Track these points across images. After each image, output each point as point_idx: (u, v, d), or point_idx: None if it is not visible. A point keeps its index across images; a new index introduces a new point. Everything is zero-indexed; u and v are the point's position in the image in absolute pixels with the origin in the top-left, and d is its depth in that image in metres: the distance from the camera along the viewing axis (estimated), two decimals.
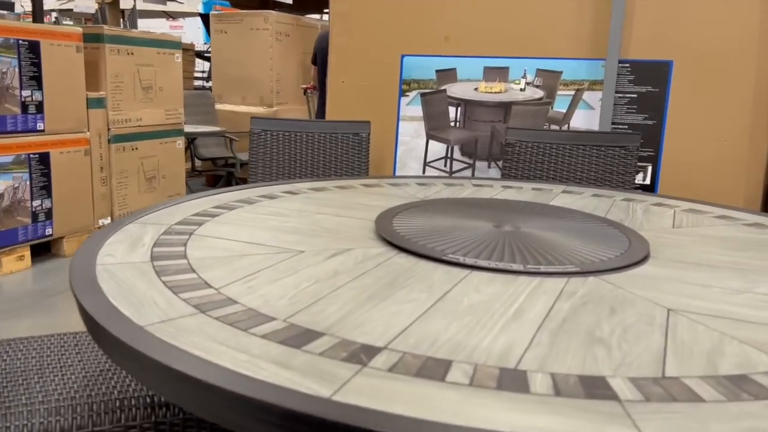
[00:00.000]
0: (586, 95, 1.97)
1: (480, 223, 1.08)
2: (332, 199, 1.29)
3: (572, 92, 1.98)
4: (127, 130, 3.74)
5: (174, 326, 0.62)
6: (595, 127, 1.96)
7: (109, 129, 3.61)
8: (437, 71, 2.05)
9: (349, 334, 0.62)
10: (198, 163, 5.35)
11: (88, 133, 3.46)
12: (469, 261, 0.87)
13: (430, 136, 2.12)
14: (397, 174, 2.14)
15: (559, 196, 1.43)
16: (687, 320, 0.70)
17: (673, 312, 0.72)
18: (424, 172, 2.13)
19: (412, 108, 2.12)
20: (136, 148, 3.83)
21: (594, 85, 1.95)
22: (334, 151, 1.98)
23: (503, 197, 1.38)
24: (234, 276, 0.78)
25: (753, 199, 1.83)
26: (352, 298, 0.72)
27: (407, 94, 2.13)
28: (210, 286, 0.74)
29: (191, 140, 5.01)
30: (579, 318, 0.69)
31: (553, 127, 2.01)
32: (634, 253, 0.93)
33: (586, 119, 1.99)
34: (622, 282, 0.82)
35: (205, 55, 7.74)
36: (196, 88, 7.32)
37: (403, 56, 2.09)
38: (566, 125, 2.01)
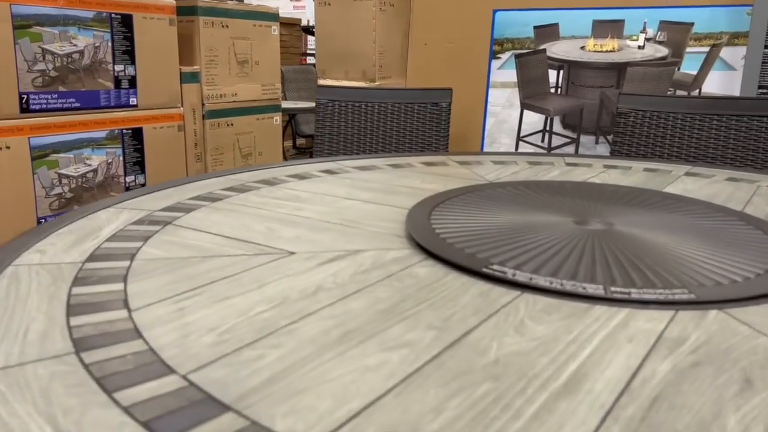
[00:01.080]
0: (725, 52, 1.56)
1: (556, 217, 0.78)
2: (376, 180, 1.03)
3: (706, 49, 1.58)
4: (222, 106, 3.69)
5: (10, 378, 0.40)
6: (736, 92, 1.56)
7: (203, 104, 3.57)
8: (535, 28, 1.73)
9: (270, 411, 0.37)
10: (300, 140, 5.28)
11: (181, 108, 3.43)
12: (521, 277, 0.59)
13: (525, 106, 1.80)
14: (485, 151, 1.85)
15: (681, 179, 1.09)
16: None
17: None
18: (517, 148, 1.82)
19: (504, 72, 1.81)
20: (232, 124, 3.77)
21: (735, 38, 1.54)
22: (410, 124, 1.73)
23: (603, 180, 1.07)
24: (170, 290, 0.55)
25: None
26: (315, 337, 0.47)
27: (499, 56, 1.81)
28: (124, 307, 0.52)
29: (292, 116, 4.93)
30: (683, 396, 0.40)
31: (680, 92, 1.63)
32: None
33: (723, 82, 1.58)
34: (767, 322, 0.51)
35: (311, 29, 7.68)
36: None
37: (495, 11, 1.78)
38: (697, 90, 1.62)
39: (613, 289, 0.56)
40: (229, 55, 3.71)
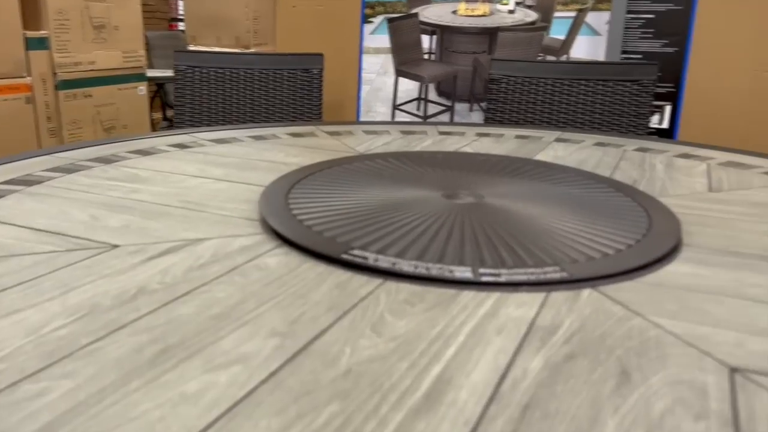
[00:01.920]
0: (590, 17, 1.58)
1: (426, 192, 0.72)
2: (234, 154, 0.93)
3: (573, 14, 1.59)
4: (78, 75, 3.35)
5: None
6: (601, 57, 1.58)
7: (55, 74, 3.23)
8: None
9: None
10: (171, 111, 4.95)
11: (28, 78, 3.08)
12: (384, 263, 0.52)
13: (400, 73, 1.74)
14: (361, 119, 1.78)
15: (551, 145, 1.07)
16: None
17: (743, 375, 0.38)
18: (393, 117, 1.76)
19: (377, 37, 1.74)
20: (90, 95, 3.44)
21: (600, 3, 1.56)
22: (280, 92, 1.62)
23: (475, 149, 1.03)
24: None
25: None
26: (122, 359, 0.37)
27: (371, 19, 1.74)
28: None
29: (160, 86, 4.60)
30: (557, 399, 0.35)
31: (550, 57, 1.63)
32: (657, 241, 0.58)
33: (589, 47, 1.60)
34: (640, 299, 0.48)
35: None
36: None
37: None
38: (565, 55, 1.63)
39: (482, 271, 0.51)
40: (83, 18, 3.37)
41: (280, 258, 0.54)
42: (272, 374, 0.36)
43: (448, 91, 1.73)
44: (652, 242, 0.58)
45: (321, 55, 1.58)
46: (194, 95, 1.59)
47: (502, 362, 0.38)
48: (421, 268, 0.51)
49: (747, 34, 1.45)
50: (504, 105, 1.52)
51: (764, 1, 1.42)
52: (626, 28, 1.54)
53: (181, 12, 7.52)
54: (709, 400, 0.35)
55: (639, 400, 0.35)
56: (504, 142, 1.09)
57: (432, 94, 1.73)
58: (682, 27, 1.50)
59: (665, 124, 1.58)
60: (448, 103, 1.73)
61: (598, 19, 1.57)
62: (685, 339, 0.42)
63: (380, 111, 1.78)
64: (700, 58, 1.50)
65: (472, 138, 1.12)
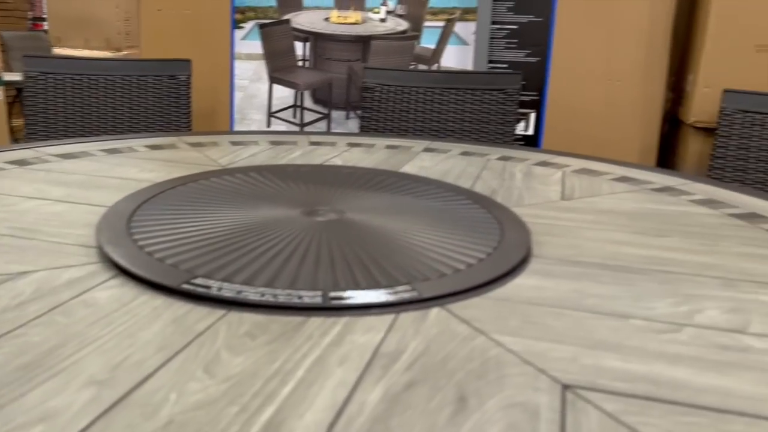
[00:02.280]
0: (458, 27, 1.63)
1: (285, 210, 0.70)
2: (80, 171, 0.86)
3: (442, 24, 1.63)
4: None
5: None
6: (470, 66, 1.63)
7: None
8: None
9: None
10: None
11: None
12: (228, 292, 0.49)
13: (273, 80, 1.70)
14: (235, 129, 1.72)
15: (419, 156, 1.08)
16: (599, 416, 0.36)
17: (574, 393, 0.38)
18: (269, 125, 1.72)
19: (249, 43, 1.69)
20: None
21: (467, 14, 1.61)
22: (144, 100, 1.53)
23: (344, 160, 1.02)
24: None
25: (648, 149, 1.59)
26: None
27: (242, 25, 1.69)
28: None
29: (20, 90, 4.25)
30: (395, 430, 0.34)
31: (422, 66, 1.66)
32: (507, 254, 0.60)
33: (459, 56, 1.65)
34: (485, 316, 0.48)
35: None
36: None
37: None
38: (436, 64, 1.66)
39: (332, 294, 0.50)
40: None
41: (113, 291, 0.49)
42: None
43: (324, 98, 1.71)
44: (502, 255, 0.59)
45: (188, 61, 1.51)
46: (48, 105, 1.47)
47: (340, 397, 0.37)
48: (269, 296, 0.49)
49: (600, 45, 1.55)
50: (378, 113, 1.53)
51: (615, 15, 1.53)
52: (492, 38, 1.60)
53: (46, 11, 7.01)
54: (540, 422, 0.35)
55: (473, 428, 0.35)
56: (374, 153, 1.09)
57: (308, 102, 1.71)
58: (543, 38, 1.58)
59: (531, 131, 1.65)
60: (325, 111, 1.71)
61: (466, 29, 1.62)
62: (523, 357, 0.42)
63: (255, 118, 1.73)
64: (560, 67, 1.58)
65: (343, 149, 1.11)
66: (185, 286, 0.49)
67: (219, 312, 0.47)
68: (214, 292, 0.49)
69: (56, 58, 1.55)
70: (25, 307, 0.46)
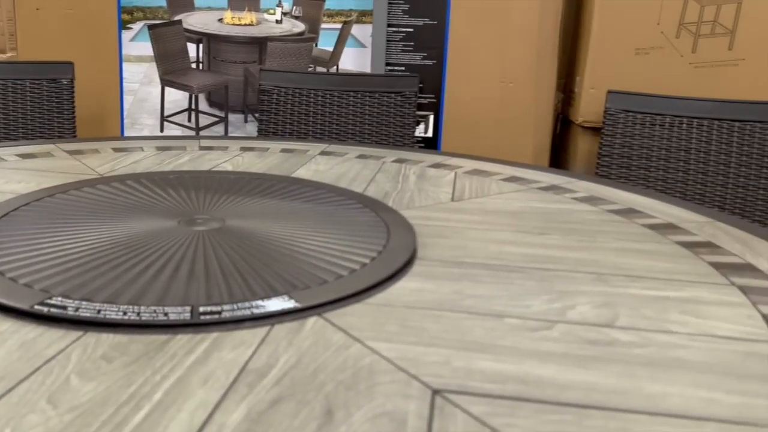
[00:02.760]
0: (356, 29, 1.62)
1: (160, 220, 0.66)
2: None
3: (339, 25, 1.62)
4: None
5: None
6: (368, 69, 1.63)
7: None
8: None
9: None
10: None
11: None
12: (87, 311, 0.46)
13: (165, 82, 1.63)
14: (126, 134, 1.64)
15: (315, 159, 1.06)
16: (466, 419, 0.36)
17: (443, 398, 0.38)
18: (162, 129, 1.65)
19: (138, 44, 1.61)
20: None
21: (363, 16, 1.61)
22: (20, 105, 1.43)
23: (235, 165, 0.98)
24: None
25: (541, 149, 1.64)
26: None
27: (130, 26, 1.61)
28: None
29: None
30: None
31: (320, 69, 1.65)
32: (390, 258, 0.59)
33: (357, 59, 1.64)
34: (363, 323, 0.47)
35: None
36: None
37: None
38: (335, 66, 1.65)
39: (202, 309, 0.47)
40: None
41: None
42: None
43: (220, 101, 1.66)
44: (386, 259, 0.58)
45: (71, 63, 1.42)
46: None
47: (198, 420, 0.35)
48: (131, 314, 0.46)
49: (494, 47, 1.59)
50: (276, 116, 1.50)
51: (506, 17, 1.57)
52: (389, 41, 1.60)
53: None
54: (406, 430, 0.35)
55: None
56: (268, 157, 1.06)
57: (203, 105, 1.66)
58: (439, 41, 1.60)
59: (430, 133, 1.67)
60: (221, 114, 1.66)
61: (363, 31, 1.62)
62: (397, 363, 0.42)
63: (147, 123, 1.65)
64: (456, 70, 1.61)
65: (235, 153, 1.08)
66: (37, 308, 0.45)
67: (74, 334, 0.43)
68: (70, 312, 0.45)
69: None
70: None
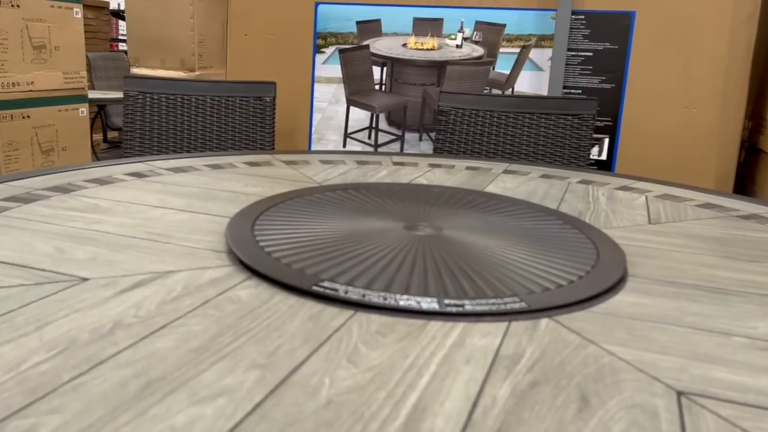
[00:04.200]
0: (533, 53, 1.66)
1: (387, 223, 0.75)
2: (192, 184, 0.94)
3: (517, 50, 1.67)
4: (16, 96, 3.25)
5: None
6: (544, 91, 1.66)
7: None
8: (358, 23, 1.71)
9: None
10: (113, 133, 4.84)
11: None
12: (354, 295, 0.54)
13: (351, 102, 1.78)
14: (312, 148, 1.80)
15: (500, 177, 1.12)
16: (716, 420, 0.39)
17: (688, 398, 0.41)
18: (344, 145, 1.79)
19: (329, 67, 1.77)
20: (28, 116, 3.33)
21: (543, 41, 1.64)
22: (232, 120, 1.62)
23: (429, 180, 1.06)
24: None
25: (725, 176, 1.58)
26: (108, 393, 0.38)
27: (323, 50, 1.77)
28: None
29: (101, 108, 4.50)
30: (526, 425, 0.37)
31: (495, 91, 1.70)
32: (605, 272, 0.63)
33: (533, 82, 1.68)
34: (593, 328, 0.51)
35: (122, 14, 7.10)
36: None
37: (317, 4, 1.73)
38: (510, 89, 1.70)
39: (447, 302, 0.54)
40: (22, 38, 3.28)
41: (251, 290, 0.55)
42: (257, 406, 0.38)
43: (398, 120, 1.77)
44: (601, 273, 0.62)
45: (273, 83, 1.60)
46: (144, 122, 1.58)
47: (472, 391, 0.41)
48: (390, 300, 0.54)
49: (676, 73, 1.55)
50: (452, 136, 1.57)
51: (690, 45, 1.54)
52: (567, 64, 1.63)
53: (122, 32, 7.40)
54: (660, 422, 0.39)
55: (598, 423, 0.38)
56: (455, 174, 1.13)
57: (383, 123, 1.78)
58: (619, 65, 1.60)
59: (604, 156, 1.67)
60: (398, 133, 1.77)
61: (541, 55, 1.66)
62: (635, 365, 0.46)
63: (332, 139, 1.80)
64: (635, 94, 1.60)
65: (425, 169, 1.16)
66: (316, 288, 0.55)
67: (348, 312, 0.52)
68: (341, 294, 0.54)
69: (153, 78, 1.67)
70: (180, 301, 0.52)
